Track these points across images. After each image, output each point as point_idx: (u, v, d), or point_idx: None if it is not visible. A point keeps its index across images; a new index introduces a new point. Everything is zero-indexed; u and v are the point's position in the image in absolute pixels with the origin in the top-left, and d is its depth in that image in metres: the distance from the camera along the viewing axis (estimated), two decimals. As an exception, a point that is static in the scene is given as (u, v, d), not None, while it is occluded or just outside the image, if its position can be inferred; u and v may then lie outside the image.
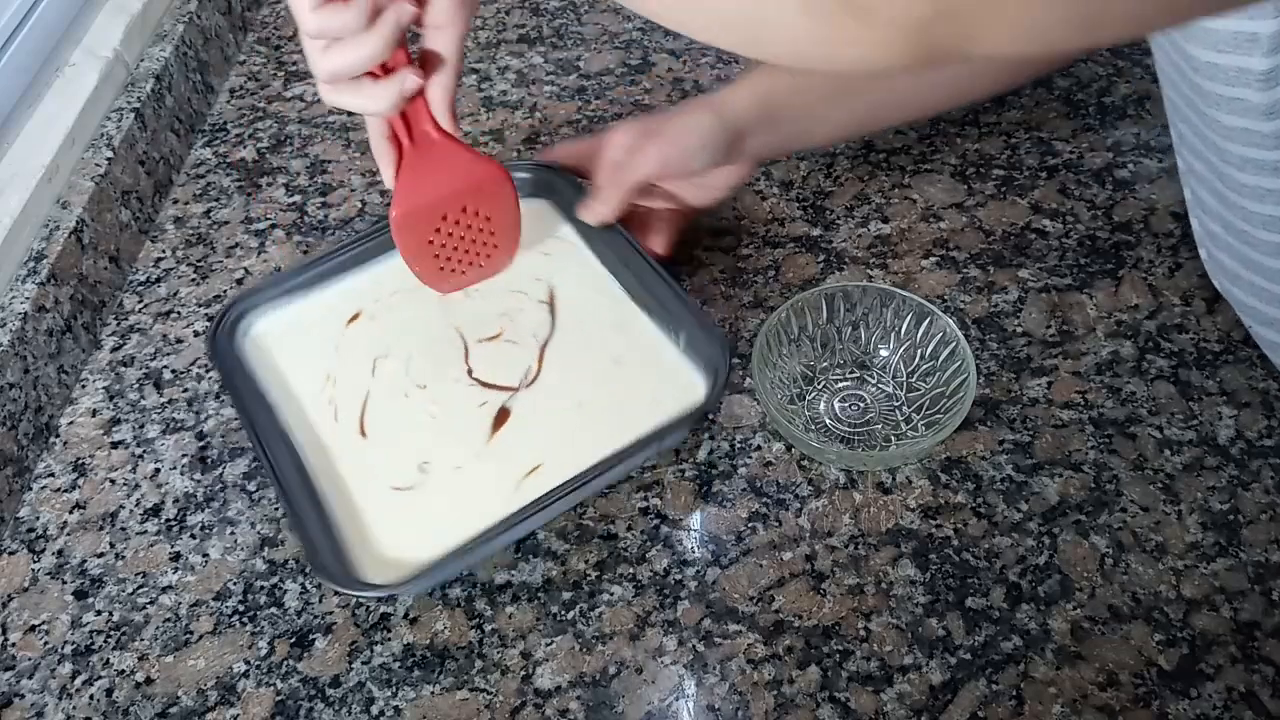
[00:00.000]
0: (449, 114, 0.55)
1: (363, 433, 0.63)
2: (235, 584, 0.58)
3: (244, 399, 0.62)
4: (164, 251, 0.77)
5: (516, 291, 0.68)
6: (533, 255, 0.69)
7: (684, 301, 0.62)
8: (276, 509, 0.62)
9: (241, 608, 0.58)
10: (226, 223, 0.79)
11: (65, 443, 0.66)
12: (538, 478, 0.59)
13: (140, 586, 0.59)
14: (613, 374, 0.63)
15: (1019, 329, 0.67)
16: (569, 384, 0.63)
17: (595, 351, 0.64)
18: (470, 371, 0.64)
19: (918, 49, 0.30)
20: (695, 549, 0.58)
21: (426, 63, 0.53)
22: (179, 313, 0.73)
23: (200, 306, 0.73)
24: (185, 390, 0.68)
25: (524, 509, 0.55)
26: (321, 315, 0.69)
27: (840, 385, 0.65)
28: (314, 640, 0.56)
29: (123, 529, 0.61)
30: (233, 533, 0.61)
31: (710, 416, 0.64)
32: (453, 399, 0.63)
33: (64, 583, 0.59)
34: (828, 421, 0.64)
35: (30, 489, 0.64)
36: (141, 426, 0.66)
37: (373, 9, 0.48)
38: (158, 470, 0.64)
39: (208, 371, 0.69)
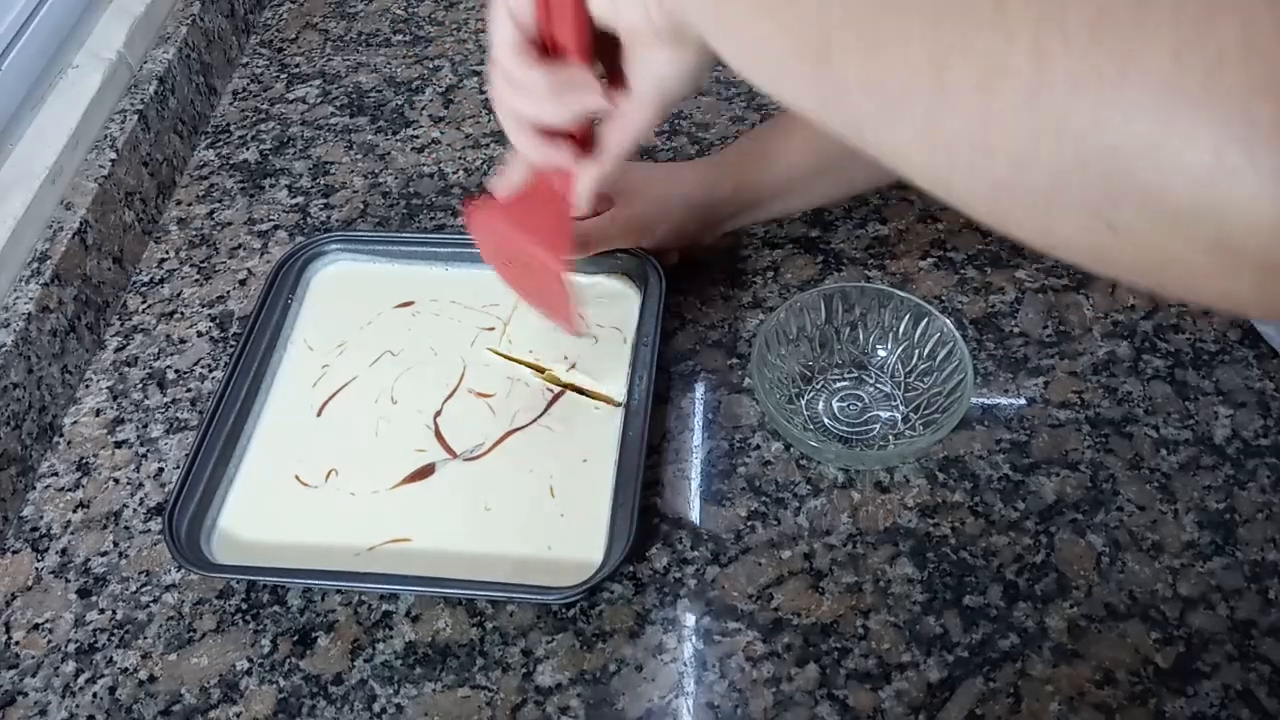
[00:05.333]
0: (587, 200, 0.53)
1: (319, 412, 0.64)
2: (238, 582, 0.59)
3: (260, 331, 0.66)
4: (167, 252, 0.78)
5: (540, 363, 0.66)
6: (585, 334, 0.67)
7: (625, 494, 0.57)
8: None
9: (244, 606, 0.58)
10: (229, 224, 0.79)
11: (69, 442, 0.66)
12: (397, 547, 0.58)
13: (143, 585, 0.59)
14: (539, 499, 0.60)
15: (1016, 329, 0.67)
16: (498, 481, 0.61)
17: (546, 467, 0.61)
18: (437, 414, 0.64)
19: None
20: (695, 547, 0.59)
21: (595, 143, 0.51)
22: (182, 313, 0.73)
23: (203, 307, 0.73)
24: (189, 390, 0.68)
25: (348, 573, 0.56)
26: (382, 286, 0.71)
27: (838, 385, 0.66)
28: (316, 638, 0.56)
29: (126, 528, 0.62)
30: (235, 531, 0.61)
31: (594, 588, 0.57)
32: (403, 430, 0.63)
33: (67, 581, 0.60)
34: (826, 421, 0.64)
35: (34, 488, 0.64)
36: (145, 426, 0.67)
37: (566, 80, 0.46)
38: (161, 470, 0.64)
39: (211, 372, 0.69)
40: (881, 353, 0.66)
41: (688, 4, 0.39)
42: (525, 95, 0.48)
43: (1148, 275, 0.28)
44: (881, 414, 0.64)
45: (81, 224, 0.70)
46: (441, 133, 0.85)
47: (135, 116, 0.78)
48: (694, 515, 0.60)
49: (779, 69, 0.36)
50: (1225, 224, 0.24)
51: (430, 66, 0.91)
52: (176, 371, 0.70)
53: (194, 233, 0.79)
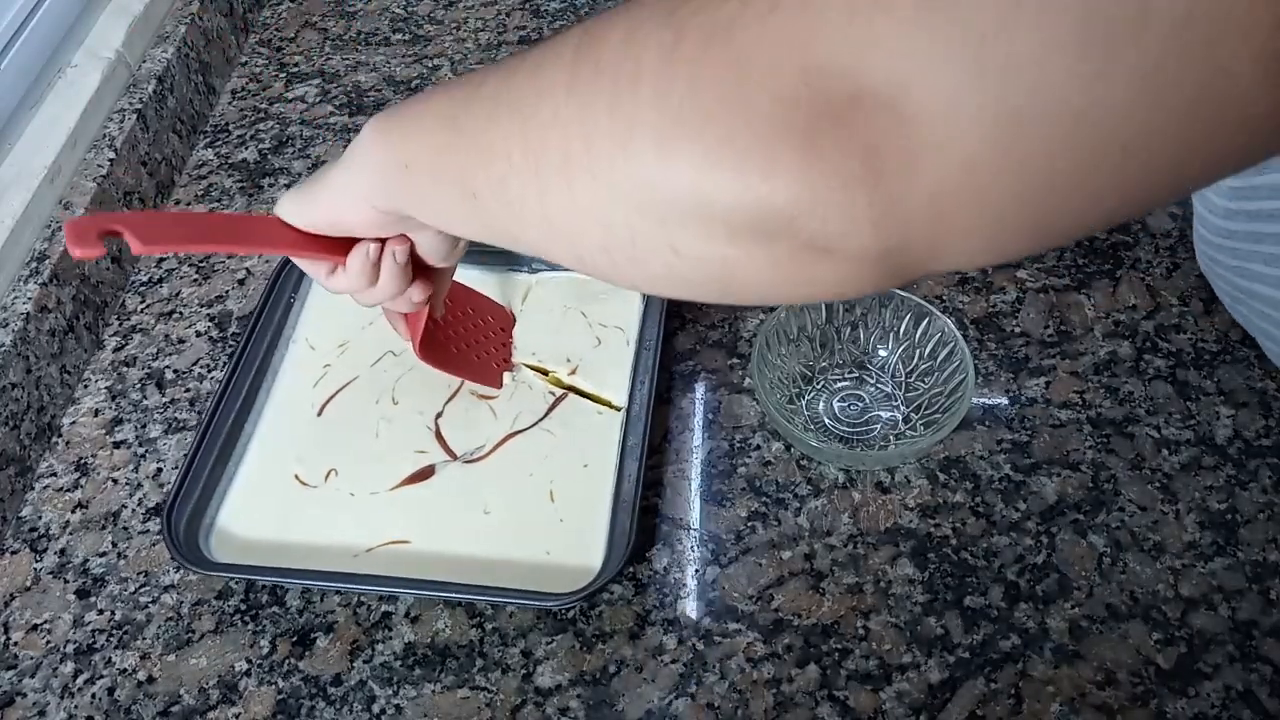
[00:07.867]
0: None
1: (320, 412, 0.64)
2: (237, 583, 0.59)
3: (261, 330, 0.66)
4: (166, 252, 0.77)
5: (543, 365, 0.66)
6: (586, 332, 0.67)
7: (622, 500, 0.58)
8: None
9: (243, 606, 0.58)
10: (228, 223, 0.79)
11: (68, 442, 0.66)
12: (396, 549, 0.58)
13: (142, 585, 0.59)
14: (539, 503, 0.59)
15: (1017, 329, 0.67)
16: (498, 484, 0.60)
17: (547, 471, 0.61)
18: (438, 416, 0.64)
19: (886, 276, 0.31)
20: (695, 548, 0.59)
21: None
22: (181, 313, 0.73)
23: (202, 307, 0.73)
24: (187, 390, 0.68)
25: (347, 575, 0.56)
26: None
27: (839, 385, 0.65)
28: (315, 639, 0.56)
29: (125, 528, 0.62)
30: (234, 532, 0.61)
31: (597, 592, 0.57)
32: (404, 430, 0.63)
33: (66, 582, 0.60)
34: (827, 421, 0.64)
35: (32, 488, 0.64)
36: (144, 426, 0.66)
37: (375, 261, 0.51)
38: (160, 470, 0.64)
39: (209, 372, 0.69)
40: (882, 353, 0.65)
41: (397, 199, 0.43)
42: (363, 295, 0.54)
43: (723, 283, 0.33)
44: (882, 414, 0.64)
45: (80, 223, 0.70)
46: (441, 132, 0.84)
47: (134, 116, 0.78)
48: (694, 516, 0.60)
49: (456, 219, 0.41)
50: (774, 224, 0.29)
51: (429, 66, 0.91)
52: (175, 371, 0.69)
53: (193, 232, 0.78)
